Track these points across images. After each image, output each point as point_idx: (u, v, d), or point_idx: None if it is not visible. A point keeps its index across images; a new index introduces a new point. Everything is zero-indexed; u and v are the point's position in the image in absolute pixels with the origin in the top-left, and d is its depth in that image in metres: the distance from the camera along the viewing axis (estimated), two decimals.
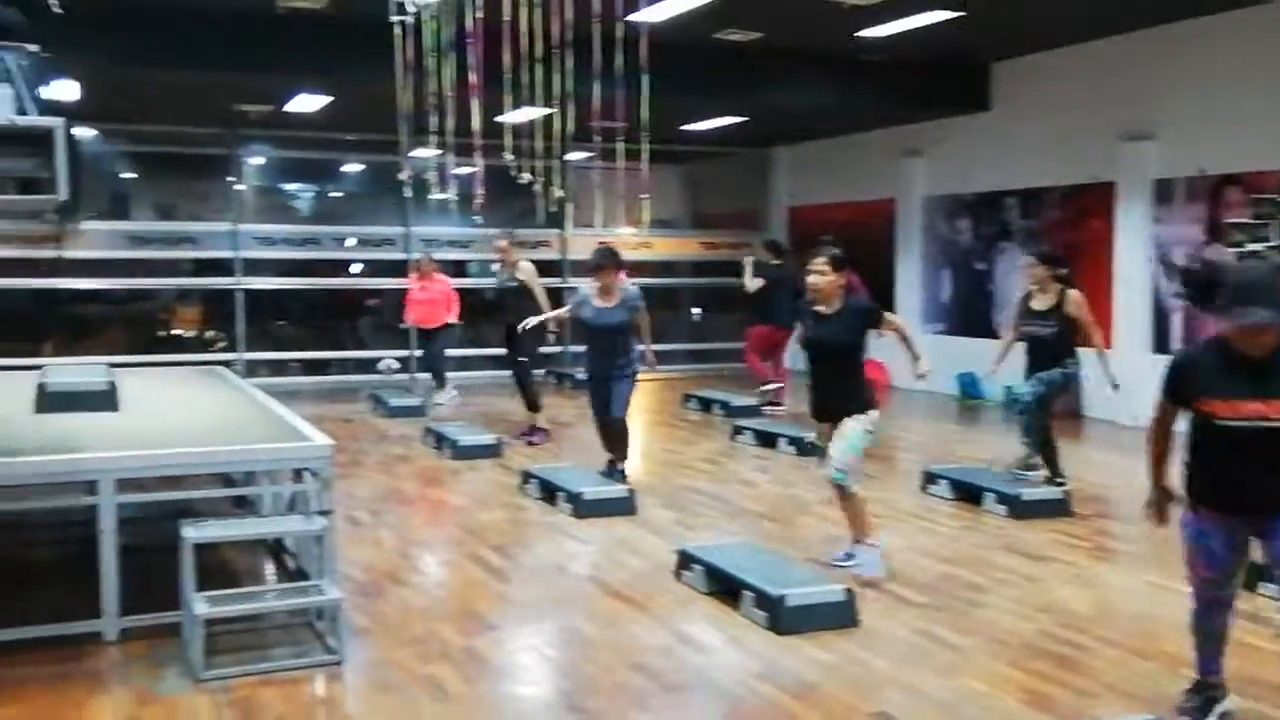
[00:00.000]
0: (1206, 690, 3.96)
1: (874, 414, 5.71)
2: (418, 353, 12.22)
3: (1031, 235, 11.97)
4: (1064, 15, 10.04)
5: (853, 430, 5.63)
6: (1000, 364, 7.72)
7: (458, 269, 14.78)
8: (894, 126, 13.79)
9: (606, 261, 7.78)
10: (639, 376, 7.93)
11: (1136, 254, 10.68)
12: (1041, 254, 7.72)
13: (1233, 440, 3.60)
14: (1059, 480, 7.44)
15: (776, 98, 11.75)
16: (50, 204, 5.07)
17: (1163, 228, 10.56)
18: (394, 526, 6.93)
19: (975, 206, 12.89)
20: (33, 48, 5.21)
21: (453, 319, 11.82)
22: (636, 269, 15.96)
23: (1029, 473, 7.52)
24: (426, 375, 12.44)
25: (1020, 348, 7.61)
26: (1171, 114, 10.35)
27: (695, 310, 17.41)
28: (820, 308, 5.70)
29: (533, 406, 9.92)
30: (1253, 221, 9.74)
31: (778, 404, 11.35)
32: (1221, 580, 3.82)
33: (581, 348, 8.33)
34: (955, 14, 9.55)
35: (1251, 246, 9.71)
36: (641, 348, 7.92)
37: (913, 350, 5.97)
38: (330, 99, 11.79)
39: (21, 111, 4.99)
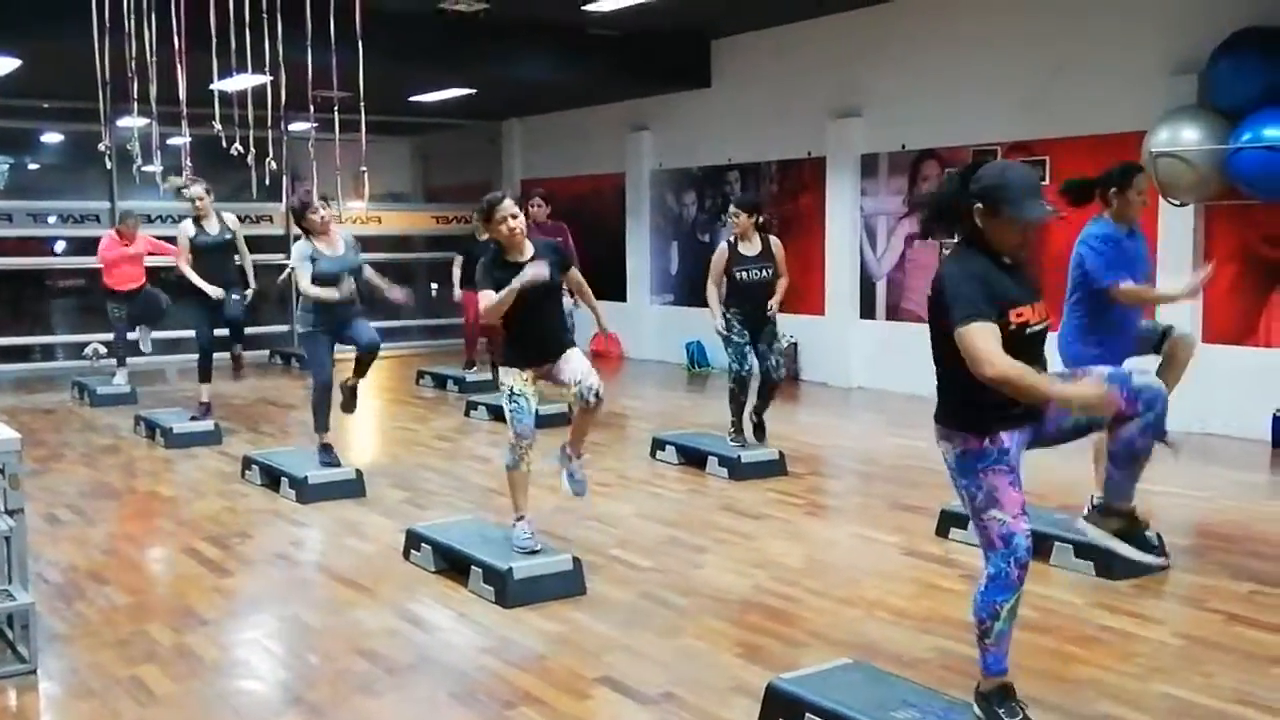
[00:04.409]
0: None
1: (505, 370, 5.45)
2: (133, 336, 11.06)
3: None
4: None
5: (580, 354, 5.47)
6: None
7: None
8: (621, 101, 14.00)
9: (311, 199, 7.19)
10: None
11: (845, 225, 11.32)
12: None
13: (1029, 348, 3.32)
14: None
15: (503, 70, 11.66)
16: None
17: (868, 199, 11.23)
18: (99, 523, 6.50)
19: (700, 180, 13.29)
20: None
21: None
22: (367, 245, 15.58)
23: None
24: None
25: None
26: (876, 92, 10.99)
27: (434, 285, 17.16)
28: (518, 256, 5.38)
29: (240, 337, 9.13)
30: None
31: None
32: (1024, 506, 3.39)
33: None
34: None
35: None
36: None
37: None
38: (18, 62, 10.85)
39: None
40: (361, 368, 7.35)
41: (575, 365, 5.35)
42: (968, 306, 3.20)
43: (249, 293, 9.10)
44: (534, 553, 5.19)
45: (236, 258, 9.05)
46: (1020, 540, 3.32)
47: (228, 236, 8.90)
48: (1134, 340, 5.56)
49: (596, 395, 5.29)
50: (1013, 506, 3.33)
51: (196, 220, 8.80)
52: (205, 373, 9.03)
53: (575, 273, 5.70)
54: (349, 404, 7.47)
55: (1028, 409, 3.33)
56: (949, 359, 3.32)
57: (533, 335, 5.37)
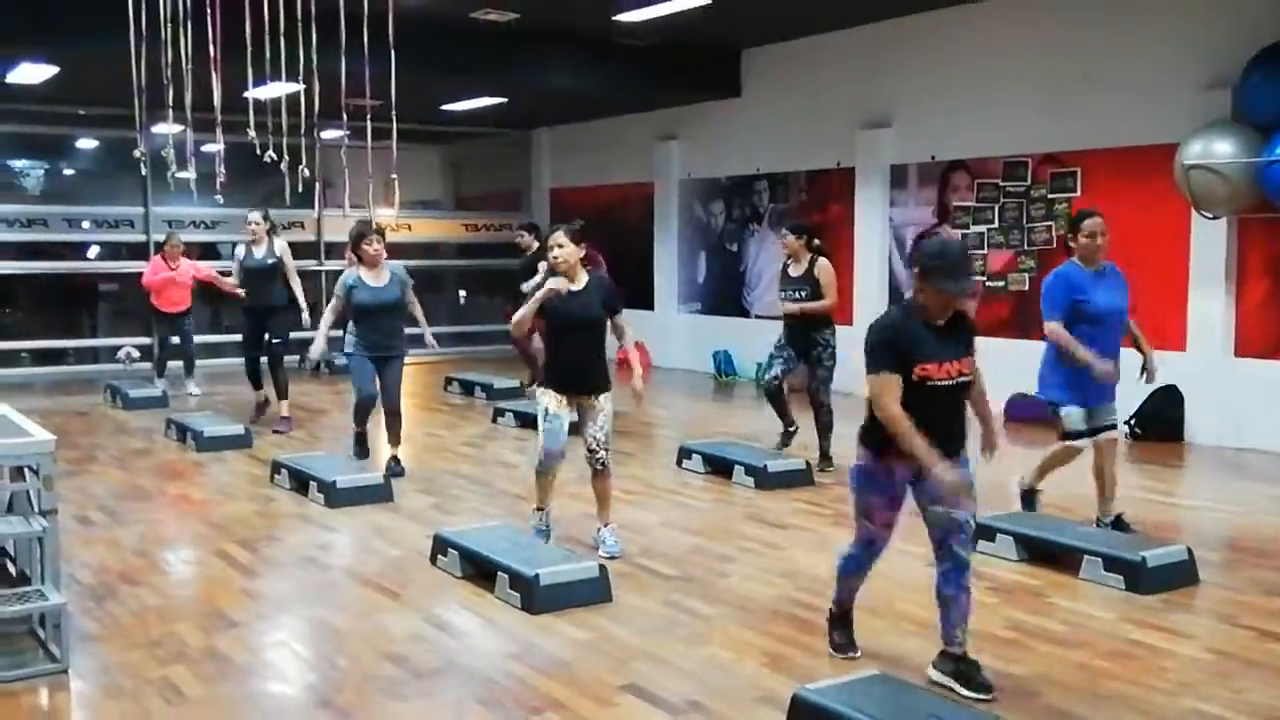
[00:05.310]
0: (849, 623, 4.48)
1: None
2: (175, 340, 11.61)
3: (781, 218, 12.44)
4: (807, 4, 10.45)
5: (610, 409, 5.78)
6: None
7: (205, 251, 14.12)
8: (651, 111, 14.03)
9: (370, 229, 7.65)
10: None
11: (874, 235, 11.29)
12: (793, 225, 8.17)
13: (937, 396, 3.94)
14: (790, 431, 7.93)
15: (534, 79, 11.74)
16: None
17: (897, 210, 11.20)
18: (130, 524, 6.55)
19: (728, 190, 13.29)
20: None
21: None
22: (396, 251, 15.77)
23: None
24: (176, 363, 11.80)
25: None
26: (906, 103, 10.97)
27: (461, 292, 17.25)
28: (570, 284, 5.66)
29: (283, 394, 9.67)
30: (976, 205, 10.46)
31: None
32: (893, 522, 4.17)
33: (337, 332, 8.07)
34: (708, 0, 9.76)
35: (976, 228, 10.44)
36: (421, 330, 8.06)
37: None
38: (56, 69, 11.00)
39: None
40: (393, 434, 7.81)
41: (599, 425, 5.74)
42: (876, 361, 3.95)
43: (304, 316, 9.63)
44: (544, 532, 5.70)
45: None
46: (879, 546, 4.23)
47: (270, 262, 9.45)
48: (1106, 385, 5.88)
49: (603, 465, 5.77)
50: (880, 522, 4.16)
51: (249, 244, 9.53)
52: (255, 380, 9.77)
53: (621, 320, 5.81)
54: (396, 472, 7.68)
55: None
56: None
57: (571, 364, 5.69)
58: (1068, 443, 5.99)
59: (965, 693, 4.01)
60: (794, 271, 7.78)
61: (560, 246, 5.60)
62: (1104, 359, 5.72)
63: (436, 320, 15.81)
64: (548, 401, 5.67)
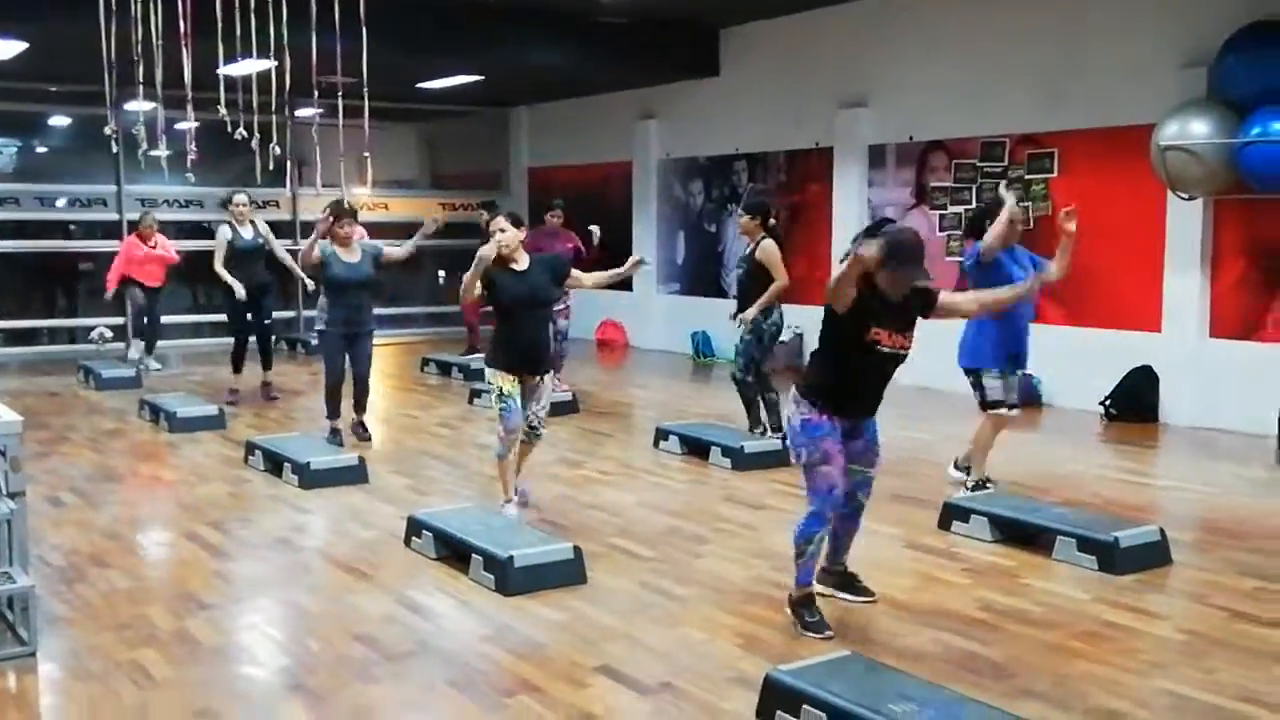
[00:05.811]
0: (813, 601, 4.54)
1: None
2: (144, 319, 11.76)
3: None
4: None
5: (551, 386, 6.20)
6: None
7: (180, 229, 14.00)
8: (630, 89, 13.95)
9: (344, 211, 7.81)
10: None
11: (852, 215, 11.27)
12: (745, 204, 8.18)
13: (879, 362, 4.32)
14: (758, 430, 7.82)
15: (512, 57, 11.64)
16: None
17: (875, 190, 11.19)
18: (101, 506, 6.49)
19: (707, 170, 13.24)
20: None
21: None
22: (374, 230, 15.70)
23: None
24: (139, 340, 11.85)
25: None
26: (884, 83, 10.94)
27: (440, 272, 17.14)
28: (513, 265, 5.93)
29: (269, 365, 9.97)
30: (954, 185, 10.46)
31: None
32: (845, 466, 4.40)
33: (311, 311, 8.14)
34: None
35: (954, 209, 10.44)
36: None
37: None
38: (25, 45, 10.83)
39: None
40: (359, 402, 8.12)
41: (541, 405, 6.07)
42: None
43: (306, 284, 9.94)
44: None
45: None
46: (838, 491, 4.40)
47: (260, 241, 9.66)
48: (1020, 343, 6.28)
49: (539, 437, 6.17)
50: (838, 464, 4.37)
51: (233, 225, 9.60)
52: (237, 362, 9.83)
53: (576, 274, 6.21)
54: (363, 437, 8.09)
55: (854, 411, 4.44)
56: (823, 345, 4.44)
57: (517, 343, 5.93)
58: (991, 413, 6.28)
59: (850, 598, 4.72)
60: (745, 251, 7.80)
61: (503, 231, 5.88)
62: (1014, 331, 6.21)
63: (414, 301, 15.83)
64: (500, 382, 5.90)
